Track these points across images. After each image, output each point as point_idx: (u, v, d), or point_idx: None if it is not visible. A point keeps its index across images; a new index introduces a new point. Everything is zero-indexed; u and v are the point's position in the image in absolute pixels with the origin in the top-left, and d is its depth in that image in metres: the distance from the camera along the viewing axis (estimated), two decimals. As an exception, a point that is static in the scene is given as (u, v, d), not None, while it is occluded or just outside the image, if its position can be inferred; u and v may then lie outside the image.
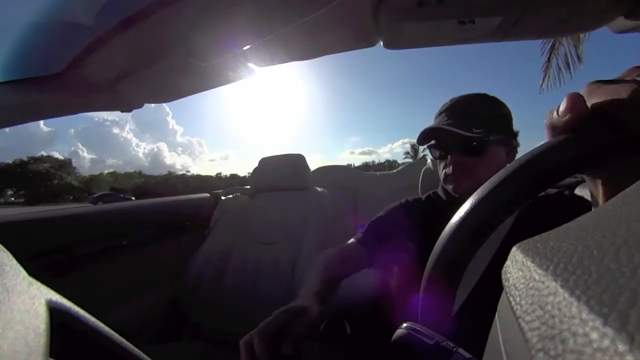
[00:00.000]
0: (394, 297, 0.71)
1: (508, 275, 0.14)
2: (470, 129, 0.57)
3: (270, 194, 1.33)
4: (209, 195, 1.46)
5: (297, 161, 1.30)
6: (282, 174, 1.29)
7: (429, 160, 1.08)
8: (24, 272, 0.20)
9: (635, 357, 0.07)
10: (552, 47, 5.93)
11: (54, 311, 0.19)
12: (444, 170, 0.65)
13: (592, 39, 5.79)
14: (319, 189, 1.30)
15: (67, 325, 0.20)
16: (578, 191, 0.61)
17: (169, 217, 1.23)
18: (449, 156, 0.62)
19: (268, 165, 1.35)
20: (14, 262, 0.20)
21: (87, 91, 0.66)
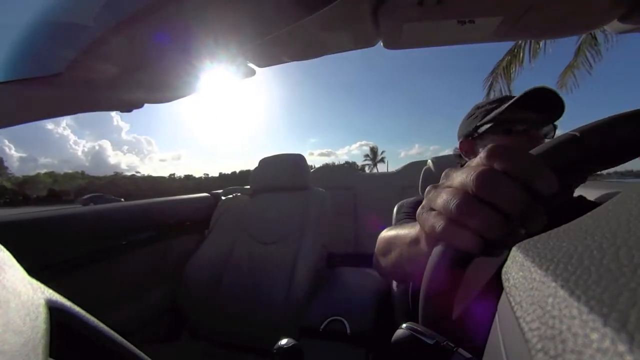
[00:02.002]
0: (395, 297, 0.71)
1: (508, 275, 0.14)
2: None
3: (270, 194, 1.33)
4: (209, 195, 1.46)
5: (297, 161, 1.30)
6: (282, 174, 1.29)
7: (429, 160, 1.08)
8: (24, 272, 0.20)
9: (636, 357, 0.07)
10: (491, 85, 6.82)
11: (54, 311, 0.19)
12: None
13: (520, 78, 6.61)
14: (319, 189, 1.30)
15: (67, 325, 0.20)
16: (578, 191, 0.61)
17: (169, 217, 1.23)
18: (530, 132, 0.55)
19: (268, 165, 1.35)
20: (14, 262, 0.20)
21: (87, 91, 0.66)
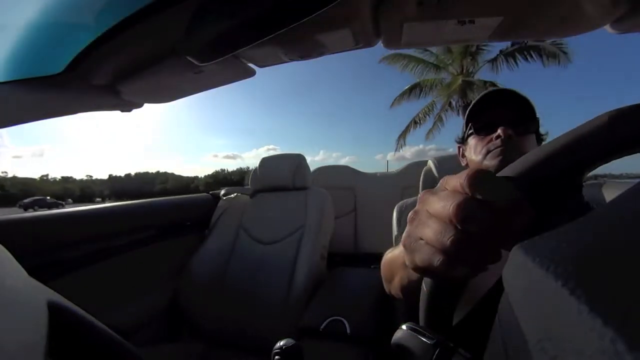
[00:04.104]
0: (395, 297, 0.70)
1: (508, 275, 0.14)
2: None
3: (270, 194, 1.33)
4: (209, 195, 1.46)
5: (297, 161, 1.30)
6: (282, 174, 1.29)
7: (429, 161, 1.08)
8: (24, 272, 0.20)
9: (635, 357, 0.07)
10: (398, 142, 12.67)
11: (54, 311, 0.19)
12: (485, 147, 0.59)
13: (411, 136, 12.51)
14: (319, 188, 1.30)
15: (67, 325, 0.20)
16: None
17: (169, 217, 1.23)
18: (499, 129, 0.57)
19: (268, 165, 1.35)
20: (15, 261, 0.20)
21: (87, 91, 0.66)
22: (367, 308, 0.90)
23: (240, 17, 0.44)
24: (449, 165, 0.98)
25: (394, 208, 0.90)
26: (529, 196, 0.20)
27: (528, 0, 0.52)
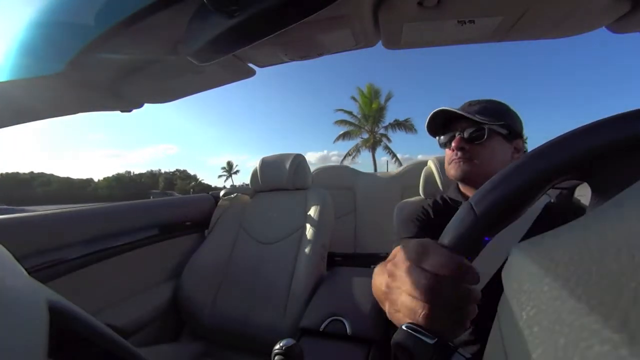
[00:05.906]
0: None
1: (508, 275, 0.14)
2: (473, 115, 0.61)
3: (270, 194, 1.33)
4: (209, 195, 1.46)
5: (297, 161, 1.30)
6: (282, 174, 1.29)
7: (430, 161, 1.08)
8: (24, 272, 0.20)
9: (636, 357, 0.07)
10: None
11: (54, 311, 0.19)
12: (448, 158, 0.68)
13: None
14: (319, 188, 1.30)
15: (67, 325, 0.20)
16: (578, 191, 0.61)
17: (169, 217, 1.23)
18: (453, 142, 0.65)
19: (268, 165, 1.35)
20: (15, 262, 0.20)
21: (87, 91, 0.66)
22: (367, 308, 0.90)
23: (240, 17, 0.44)
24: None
25: (394, 208, 0.90)
26: (467, 256, 0.23)
27: (528, 0, 0.52)
